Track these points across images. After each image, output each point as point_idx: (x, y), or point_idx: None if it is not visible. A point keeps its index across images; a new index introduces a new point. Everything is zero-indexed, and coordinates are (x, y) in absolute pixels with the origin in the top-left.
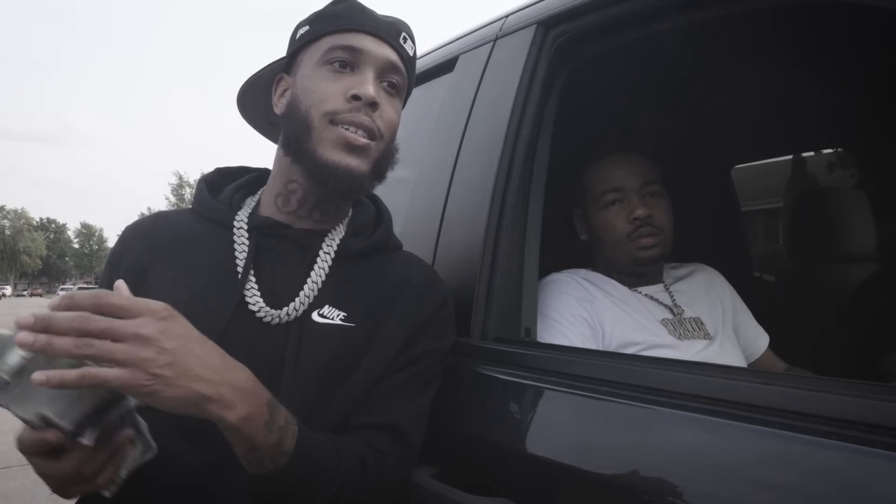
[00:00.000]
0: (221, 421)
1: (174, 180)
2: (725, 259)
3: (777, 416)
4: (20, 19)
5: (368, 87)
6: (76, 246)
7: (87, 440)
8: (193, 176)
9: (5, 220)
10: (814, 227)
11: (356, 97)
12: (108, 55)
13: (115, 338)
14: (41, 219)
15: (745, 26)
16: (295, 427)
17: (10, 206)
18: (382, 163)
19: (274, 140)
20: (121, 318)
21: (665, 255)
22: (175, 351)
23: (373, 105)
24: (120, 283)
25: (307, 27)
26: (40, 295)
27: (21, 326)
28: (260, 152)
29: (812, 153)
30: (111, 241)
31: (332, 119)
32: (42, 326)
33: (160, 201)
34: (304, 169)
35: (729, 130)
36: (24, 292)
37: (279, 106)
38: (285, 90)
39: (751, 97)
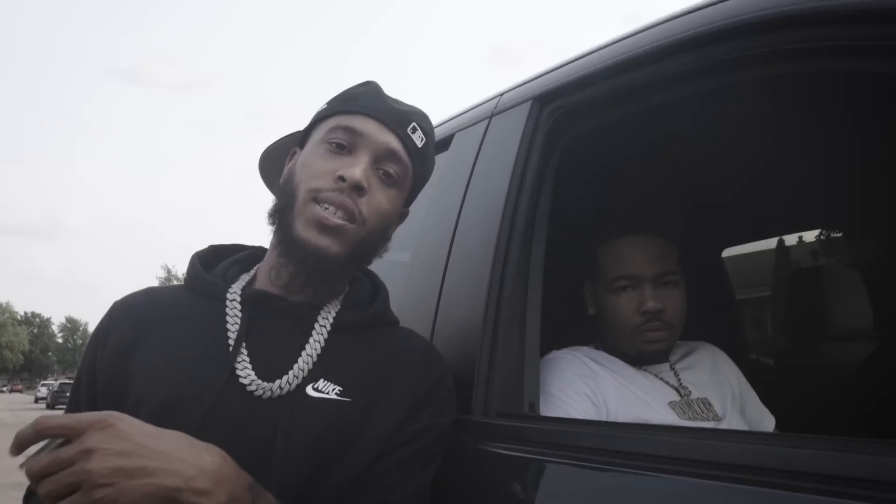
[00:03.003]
0: None
1: (162, 274)
2: (719, 342)
3: (790, 478)
4: (8, 115)
5: (356, 170)
6: (60, 340)
7: None
8: (181, 270)
9: None
10: (808, 305)
11: (342, 178)
12: (98, 150)
13: (63, 465)
14: (25, 313)
15: (736, 100)
16: None
17: None
18: (363, 248)
19: None
20: (68, 437)
21: (671, 348)
22: (122, 452)
23: (358, 189)
24: None
25: (326, 105)
26: (20, 391)
27: None
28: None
29: (803, 233)
30: None
31: (315, 196)
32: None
33: None
34: (280, 240)
35: (720, 210)
36: (4, 388)
37: (284, 176)
38: (294, 163)
39: (743, 175)
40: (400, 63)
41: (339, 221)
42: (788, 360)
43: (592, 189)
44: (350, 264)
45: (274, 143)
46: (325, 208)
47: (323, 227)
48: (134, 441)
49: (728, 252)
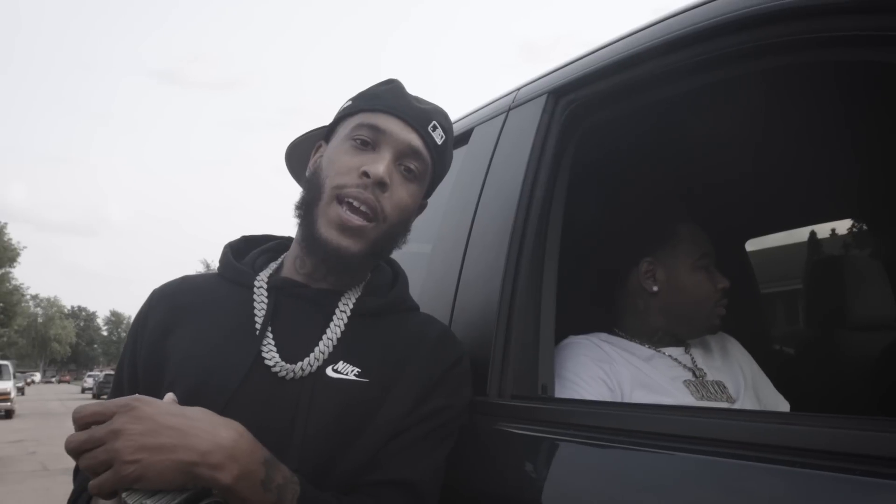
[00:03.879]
0: (215, 483)
1: (202, 268)
2: (743, 332)
3: (797, 455)
4: (55, 116)
5: (380, 166)
6: (105, 333)
7: None
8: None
9: (38, 308)
10: (830, 295)
11: (366, 174)
12: (137, 149)
13: (96, 443)
14: (72, 307)
15: (753, 89)
16: (297, 486)
17: (43, 294)
18: (382, 243)
19: None
20: (101, 421)
21: None
22: (144, 432)
23: (381, 185)
24: (168, 396)
25: (350, 102)
26: (68, 381)
27: None
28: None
29: (827, 224)
30: None
31: (339, 194)
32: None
33: None
34: (304, 236)
35: (742, 200)
36: (53, 379)
37: (309, 170)
38: (319, 157)
39: (764, 165)
40: (430, 60)
41: (360, 223)
42: (810, 349)
43: (609, 177)
44: (371, 258)
45: (300, 137)
46: (348, 207)
47: (344, 228)
48: (155, 421)
49: (750, 246)
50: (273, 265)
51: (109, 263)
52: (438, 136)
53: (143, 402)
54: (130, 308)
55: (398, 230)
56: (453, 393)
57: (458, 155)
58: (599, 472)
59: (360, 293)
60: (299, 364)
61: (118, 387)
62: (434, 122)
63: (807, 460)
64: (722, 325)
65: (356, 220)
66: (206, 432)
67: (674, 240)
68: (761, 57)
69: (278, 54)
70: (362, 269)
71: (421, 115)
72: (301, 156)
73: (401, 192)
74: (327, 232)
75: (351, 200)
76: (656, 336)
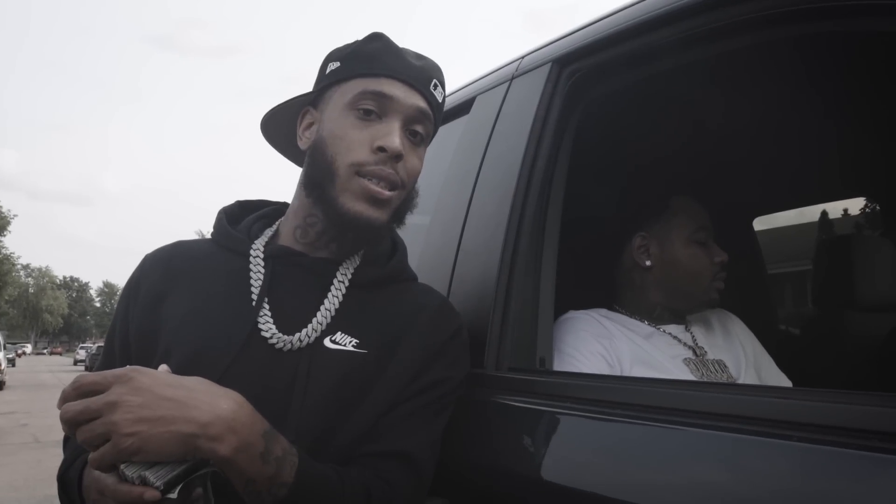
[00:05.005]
0: (213, 454)
1: (196, 237)
2: (750, 311)
3: (796, 429)
4: (50, 83)
5: (394, 138)
6: (98, 305)
7: (172, 495)
8: None
9: (30, 278)
10: (838, 275)
11: (382, 149)
12: (133, 116)
13: (93, 415)
14: (64, 277)
15: (762, 61)
16: (295, 458)
17: (35, 263)
18: (402, 209)
19: (297, 163)
20: (97, 393)
21: None
22: (143, 404)
23: (398, 157)
24: (163, 367)
25: (338, 63)
26: (60, 353)
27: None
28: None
29: (837, 202)
30: None
31: (358, 171)
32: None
33: None
34: (326, 214)
35: (749, 177)
36: (44, 350)
37: (304, 140)
38: (311, 124)
39: (772, 141)
40: (433, 26)
41: (388, 193)
42: (817, 330)
43: (613, 150)
44: (393, 227)
45: (278, 105)
46: (371, 181)
47: (375, 200)
48: (153, 392)
49: (758, 225)
50: (269, 232)
51: (104, 233)
52: (439, 94)
53: (140, 373)
54: (124, 279)
55: (412, 195)
56: (452, 365)
57: (460, 124)
58: (597, 445)
59: (358, 262)
60: (296, 335)
61: (109, 354)
62: (434, 80)
63: (807, 434)
64: (722, 301)
65: (386, 192)
66: (206, 403)
67: (667, 214)
68: (774, 26)
69: (275, 20)
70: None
71: (422, 74)
72: (280, 123)
73: (412, 159)
74: (357, 205)
75: (371, 179)
76: (655, 312)
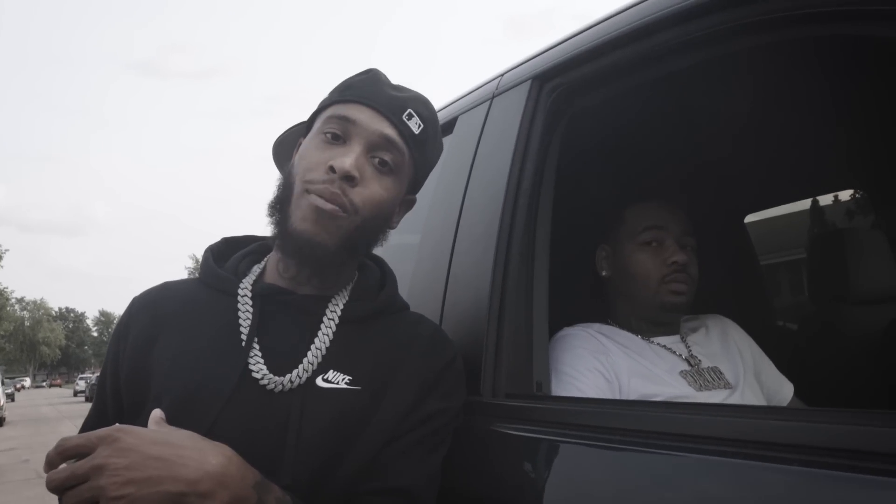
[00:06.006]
0: None
1: (191, 264)
2: (746, 310)
3: (797, 452)
4: (35, 115)
5: (346, 160)
6: (95, 334)
7: None
8: None
9: (25, 312)
10: (832, 269)
11: (332, 169)
12: (119, 144)
13: (79, 479)
14: (60, 308)
15: (745, 66)
16: None
17: (29, 296)
18: (358, 238)
19: None
20: (82, 456)
21: (689, 308)
22: (130, 466)
23: (349, 179)
24: (156, 413)
25: (328, 94)
26: (59, 385)
27: None
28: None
29: (828, 196)
30: None
31: (307, 188)
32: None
33: None
34: (278, 234)
35: (739, 177)
36: (44, 383)
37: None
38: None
39: (760, 140)
40: (412, 37)
41: (332, 207)
42: (812, 324)
43: (600, 161)
44: (345, 254)
45: (286, 132)
46: (316, 198)
47: (319, 213)
48: (139, 452)
49: (750, 217)
50: (256, 269)
51: (97, 262)
52: (415, 125)
53: (125, 433)
54: (120, 307)
55: (373, 225)
56: (447, 397)
57: (444, 145)
58: (599, 473)
59: (347, 297)
60: (287, 376)
61: (101, 400)
62: (409, 110)
63: (810, 458)
64: (718, 299)
65: (328, 205)
66: (194, 460)
67: (619, 223)
68: (753, 34)
69: (255, 40)
70: (344, 268)
71: (394, 102)
72: (287, 151)
73: (373, 187)
74: (301, 224)
75: (318, 197)
76: (641, 325)
